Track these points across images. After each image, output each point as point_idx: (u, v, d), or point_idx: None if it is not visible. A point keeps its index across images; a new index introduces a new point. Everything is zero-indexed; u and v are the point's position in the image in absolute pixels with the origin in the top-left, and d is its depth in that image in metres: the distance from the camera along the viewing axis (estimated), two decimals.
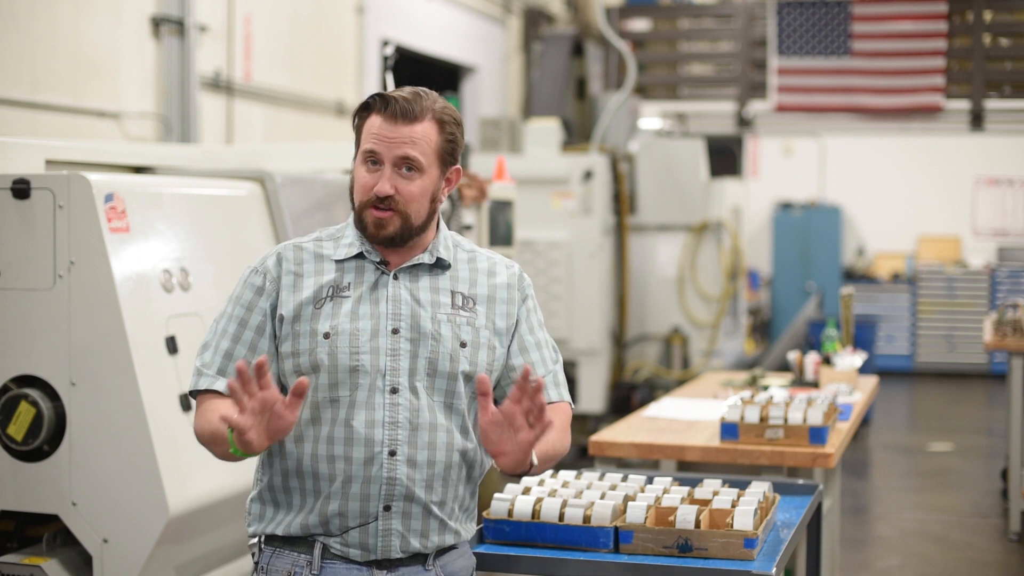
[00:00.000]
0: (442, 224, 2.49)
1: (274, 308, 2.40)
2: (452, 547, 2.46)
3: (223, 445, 2.25)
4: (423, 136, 2.36)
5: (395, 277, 2.41)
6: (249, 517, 2.47)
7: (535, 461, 2.29)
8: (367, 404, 2.34)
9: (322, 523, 2.36)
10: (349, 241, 2.44)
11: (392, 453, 2.33)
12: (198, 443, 2.39)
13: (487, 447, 2.26)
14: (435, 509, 2.38)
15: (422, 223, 2.40)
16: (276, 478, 2.41)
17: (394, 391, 2.35)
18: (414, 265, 2.42)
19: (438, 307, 2.40)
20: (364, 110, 2.40)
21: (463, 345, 2.39)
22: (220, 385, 2.38)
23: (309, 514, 2.37)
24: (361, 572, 2.36)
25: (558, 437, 2.42)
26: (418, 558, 2.40)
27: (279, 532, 2.40)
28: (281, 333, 2.39)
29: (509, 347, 2.47)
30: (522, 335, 2.49)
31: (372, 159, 2.36)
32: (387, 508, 2.34)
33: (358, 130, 2.41)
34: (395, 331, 2.36)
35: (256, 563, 2.45)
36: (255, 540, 2.46)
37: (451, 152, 2.42)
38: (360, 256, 2.42)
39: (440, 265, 2.45)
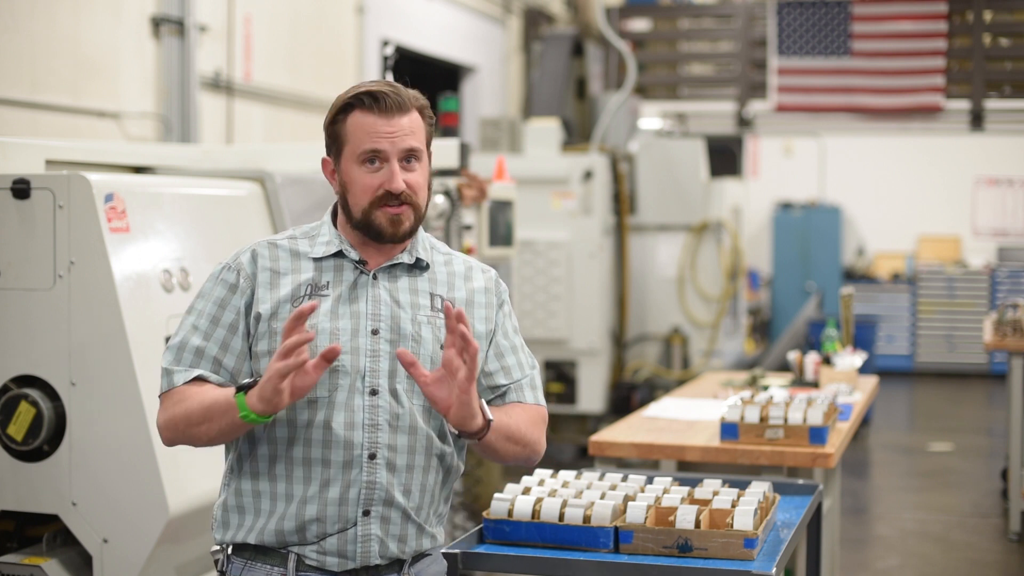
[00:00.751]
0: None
1: (249, 306, 2.34)
2: (426, 553, 2.43)
3: (222, 418, 2.21)
4: (417, 125, 2.35)
5: (374, 277, 2.37)
6: (216, 523, 2.39)
7: (488, 412, 2.27)
8: (346, 405, 2.29)
9: (298, 530, 2.30)
10: (327, 239, 2.39)
11: (372, 456, 2.29)
12: (160, 438, 2.36)
13: (436, 408, 2.24)
14: (413, 514, 2.34)
15: (425, 212, 2.39)
16: (247, 482, 2.34)
17: (373, 393, 2.30)
18: (393, 265, 2.39)
19: (418, 309, 2.37)
20: (346, 110, 2.34)
21: (443, 348, 2.33)
22: (197, 372, 2.32)
23: (283, 520, 2.30)
24: None
25: (526, 423, 2.40)
26: (394, 566, 2.36)
27: (251, 540, 2.33)
28: (257, 331, 2.33)
29: (487, 353, 2.45)
30: (498, 341, 2.47)
31: (373, 158, 2.31)
32: (366, 513, 2.29)
33: (338, 132, 2.35)
34: (375, 332, 2.32)
35: (223, 573, 2.37)
36: (220, 548, 2.38)
37: (432, 137, 2.43)
38: (339, 255, 2.38)
39: (419, 266, 2.41)
